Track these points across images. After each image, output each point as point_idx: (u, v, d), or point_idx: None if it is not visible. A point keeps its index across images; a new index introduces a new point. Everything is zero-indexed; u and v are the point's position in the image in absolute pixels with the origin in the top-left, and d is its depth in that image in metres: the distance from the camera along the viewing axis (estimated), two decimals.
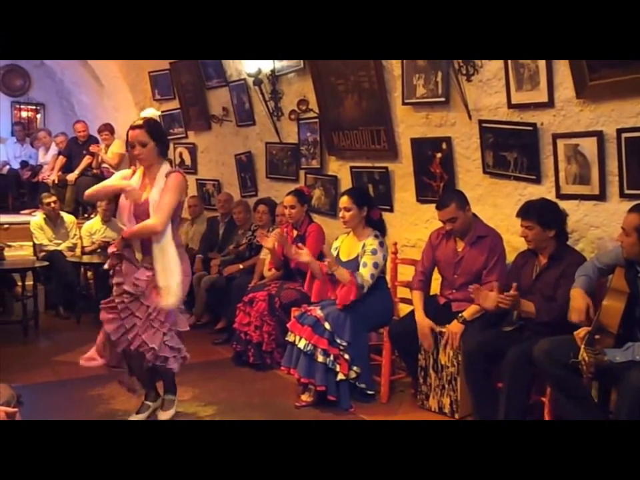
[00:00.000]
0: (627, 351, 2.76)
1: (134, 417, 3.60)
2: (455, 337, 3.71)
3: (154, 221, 3.26)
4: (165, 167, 3.41)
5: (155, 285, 3.31)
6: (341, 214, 4.14)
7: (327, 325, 3.86)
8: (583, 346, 2.75)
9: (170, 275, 3.29)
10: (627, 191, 3.42)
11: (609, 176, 3.52)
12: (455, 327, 3.74)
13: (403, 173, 4.86)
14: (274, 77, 5.75)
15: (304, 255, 4.08)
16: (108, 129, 7.81)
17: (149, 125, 3.35)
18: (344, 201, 4.11)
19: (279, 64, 5.64)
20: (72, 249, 6.58)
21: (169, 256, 3.29)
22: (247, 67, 5.84)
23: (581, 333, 2.87)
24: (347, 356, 3.84)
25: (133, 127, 3.34)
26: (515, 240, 3.88)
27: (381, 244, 4.04)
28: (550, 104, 3.74)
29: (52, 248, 6.42)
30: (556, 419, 3.23)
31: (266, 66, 5.71)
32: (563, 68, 3.61)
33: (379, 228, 4.15)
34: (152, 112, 3.51)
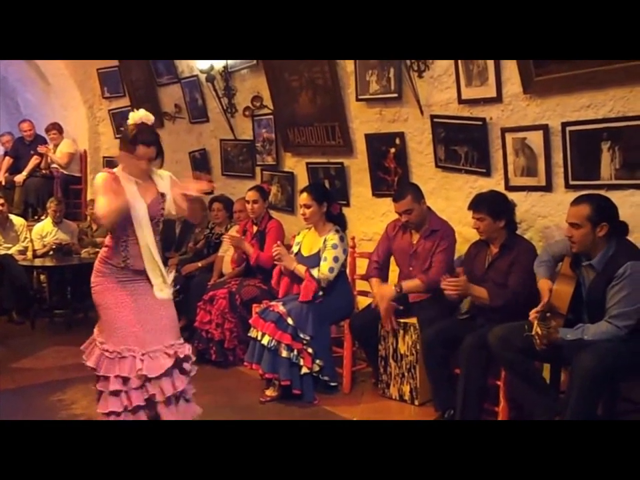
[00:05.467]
0: (577, 331, 2.94)
1: None
2: (383, 299, 3.85)
3: None
4: None
5: None
6: (301, 211, 4.18)
7: (289, 320, 3.91)
8: (536, 321, 2.91)
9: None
10: (571, 182, 3.56)
11: (554, 168, 3.67)
12: (387, 289, 3.88)
13: (358, 168, 4.94)
14: (227, 73, 5.75)
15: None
16: (56, 128, 7.63)
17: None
18: (303, 197, 4.15)
19: (231, 60, 5.63)
20: (23, 252, 6.43)
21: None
22: (199, 64, 5.81)
23: (533, 312, 3.02)
24: (310, 350, 3.91)
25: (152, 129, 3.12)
26: (466, 231, 4.00)
27: (341, 238, 4.10)
28: (498, 99, 3.86)
29: (2, 252, 6.25)
30: (510, 400, 3.38)
31: (218, 62, 5.69)
32: (510, 64, 3.74)
33: (340, 223, 4.21)
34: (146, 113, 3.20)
